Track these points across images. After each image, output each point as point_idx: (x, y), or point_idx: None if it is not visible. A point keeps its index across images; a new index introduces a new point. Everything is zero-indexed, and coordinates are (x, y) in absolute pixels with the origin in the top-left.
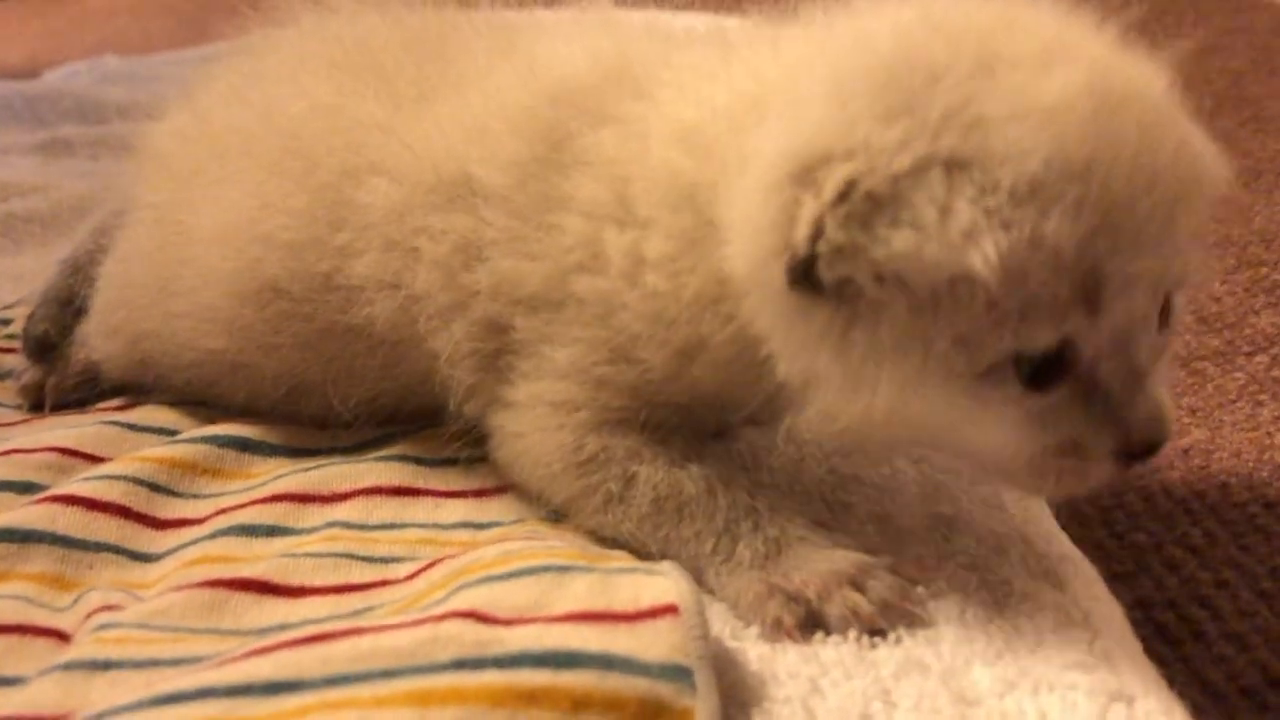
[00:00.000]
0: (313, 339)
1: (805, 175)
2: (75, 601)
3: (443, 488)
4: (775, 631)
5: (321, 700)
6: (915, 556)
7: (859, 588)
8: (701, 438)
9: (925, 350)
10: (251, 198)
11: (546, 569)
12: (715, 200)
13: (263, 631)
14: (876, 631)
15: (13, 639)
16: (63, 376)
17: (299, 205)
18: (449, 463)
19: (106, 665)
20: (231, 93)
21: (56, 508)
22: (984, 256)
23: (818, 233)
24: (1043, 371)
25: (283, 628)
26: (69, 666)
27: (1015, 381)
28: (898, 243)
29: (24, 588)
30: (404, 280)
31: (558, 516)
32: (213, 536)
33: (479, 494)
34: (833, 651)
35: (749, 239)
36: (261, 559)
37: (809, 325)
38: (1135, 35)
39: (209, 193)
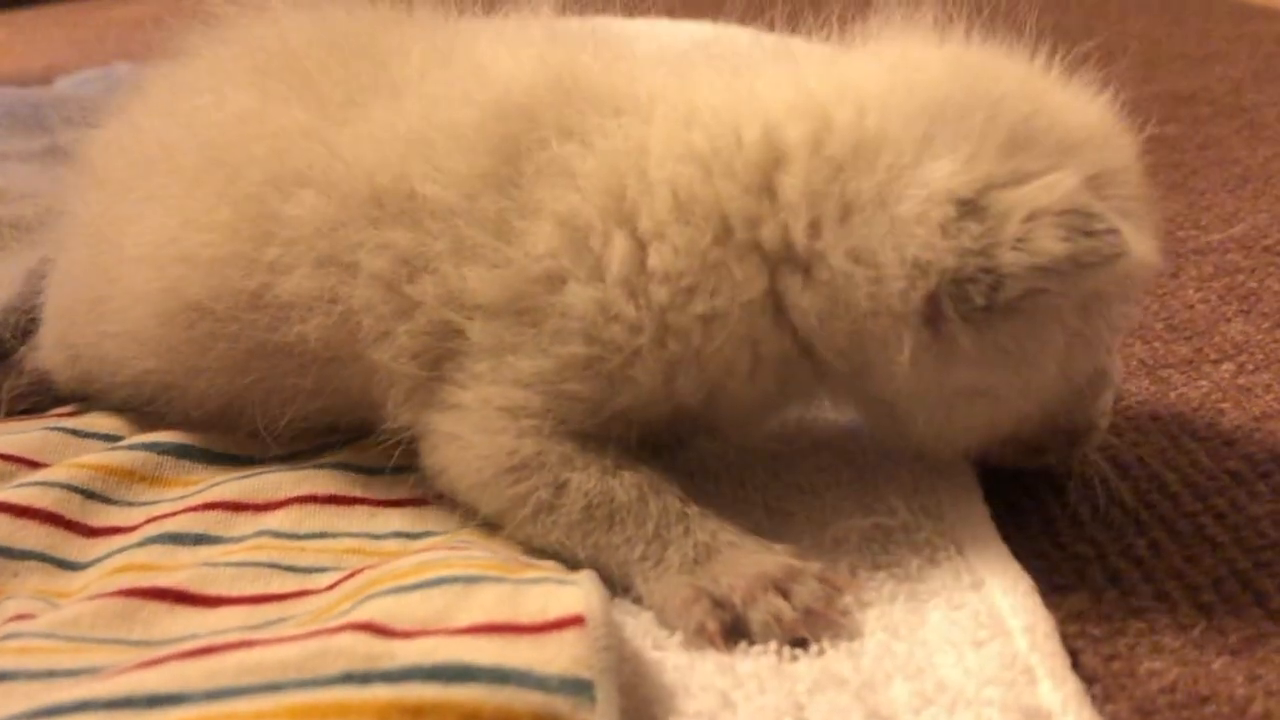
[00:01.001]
0: (240, 360)
1: (972, 206)
2: None
3: (380, 496)
4: (699, 637)
5: (201, 714)
6: (848, 566)
7: (784, 593)
8: (638, 447)
9: (1090, 338)
10: (173, 215)
11: (455, 580)
12: (783, 233)
13: (170, 642)
14: (800, 641)
15: None
16: (15, 383)
17: (221, 219)
18: (390, 470)
19: (2, 676)
20: (159, 103)
21: None
22: (1158, 251)
23: (1013, 250)
24: None
25: (192, 638)
26: None
27: (1112, 353)
28: (1106, 249)
29: None
30: (340, 295)
31: (493, 525)
32: (141, 544)
33: (417, 502)
34: (751, 663)
35: (900, 271)
36: (183, 568)
37: (983, 341)
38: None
39: (134, 210)
